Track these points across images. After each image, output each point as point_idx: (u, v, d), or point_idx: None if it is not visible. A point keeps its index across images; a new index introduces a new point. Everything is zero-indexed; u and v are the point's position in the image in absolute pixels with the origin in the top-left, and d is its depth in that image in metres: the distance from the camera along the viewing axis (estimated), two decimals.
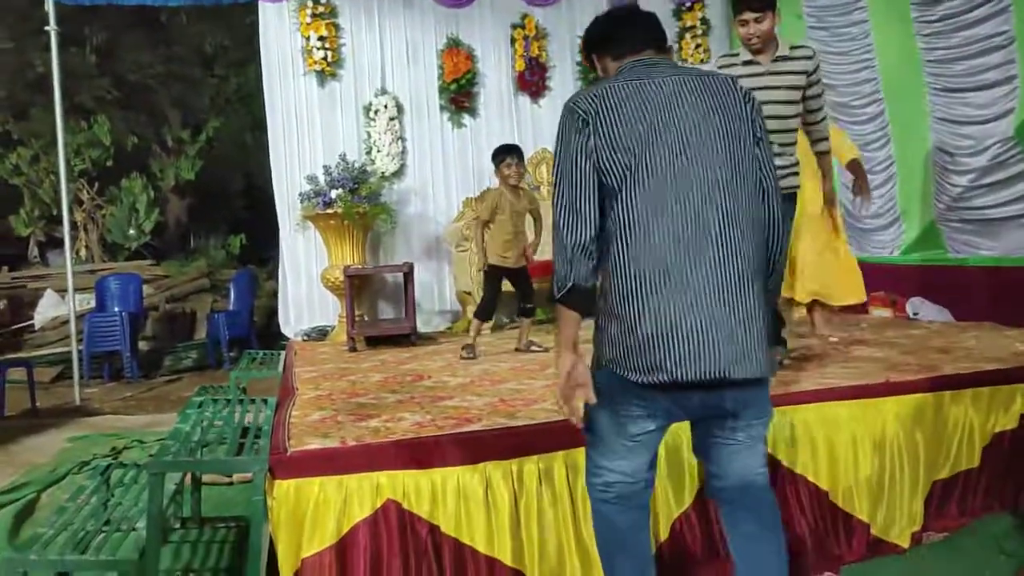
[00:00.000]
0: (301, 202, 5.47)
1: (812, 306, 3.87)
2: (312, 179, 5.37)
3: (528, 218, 4.33)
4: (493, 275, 4.22)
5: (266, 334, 7.26)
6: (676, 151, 1.60)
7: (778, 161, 2.77)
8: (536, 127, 6.27)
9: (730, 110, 1.66)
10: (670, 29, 6.56)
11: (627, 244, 1.60)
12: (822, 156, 3.22)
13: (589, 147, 1.63)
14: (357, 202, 5.22)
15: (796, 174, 2.99)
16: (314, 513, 2.16)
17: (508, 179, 4.15)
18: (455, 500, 2.24)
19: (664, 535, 2.39)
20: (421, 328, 5.34)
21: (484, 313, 4.28)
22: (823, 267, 3.73)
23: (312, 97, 5.79)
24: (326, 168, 5.36)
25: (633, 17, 1.83)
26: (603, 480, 1.75)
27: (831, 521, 2.55)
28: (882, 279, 5.20)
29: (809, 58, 2.93)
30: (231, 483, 3.33)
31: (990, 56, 4.26)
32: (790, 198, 2.91)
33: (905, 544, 2.58)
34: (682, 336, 1.55)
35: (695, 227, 1.57)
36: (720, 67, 3.03)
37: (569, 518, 2.30)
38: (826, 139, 3.15)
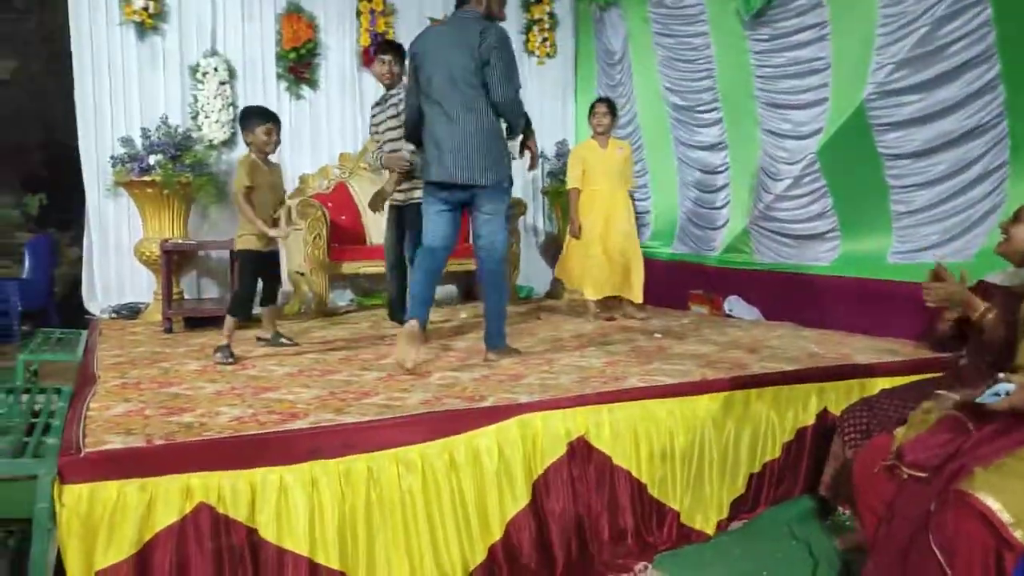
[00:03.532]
0: (113, 166, 4.95)
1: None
2: (127, 142, 4.88)
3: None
4: (251, 261, 3.59)
5: (69, 308, 6.53)
6: (439, 54, 3.32)
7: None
8: None
9: (468, 42, 3.25)
10: (518, 21, 6.60)
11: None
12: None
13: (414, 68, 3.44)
14: (179, 171, 4.81)
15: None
16: (111, 520, 1.95)
17: (265, 147, 3.57)
18: (276, 502, 2.11)
19: (498, 534, 2.39)
20: None
21: (244, 309, 3.55)
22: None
23: (129, 51, 5.24)
24: (144, 131, 4.89)
25: None
26: (426, 245, 3.44)
27: (647, 512, 2.68)
28: (702, 278, 5.58)
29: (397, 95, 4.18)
30: (15, 479, 2.95)
31: (808, 79, 4.63)
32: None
33: (711, 531, 2.77)
34: (435, 157, 3.35)
35: (443, 104, 3.31)
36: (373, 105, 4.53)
37: (399, 518, 2.24)
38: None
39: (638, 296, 4.84)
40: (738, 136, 5.28)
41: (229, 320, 3.49)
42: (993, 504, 1.70)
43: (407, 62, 3.68)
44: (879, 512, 1.98)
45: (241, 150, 5.55)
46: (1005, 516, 1.69)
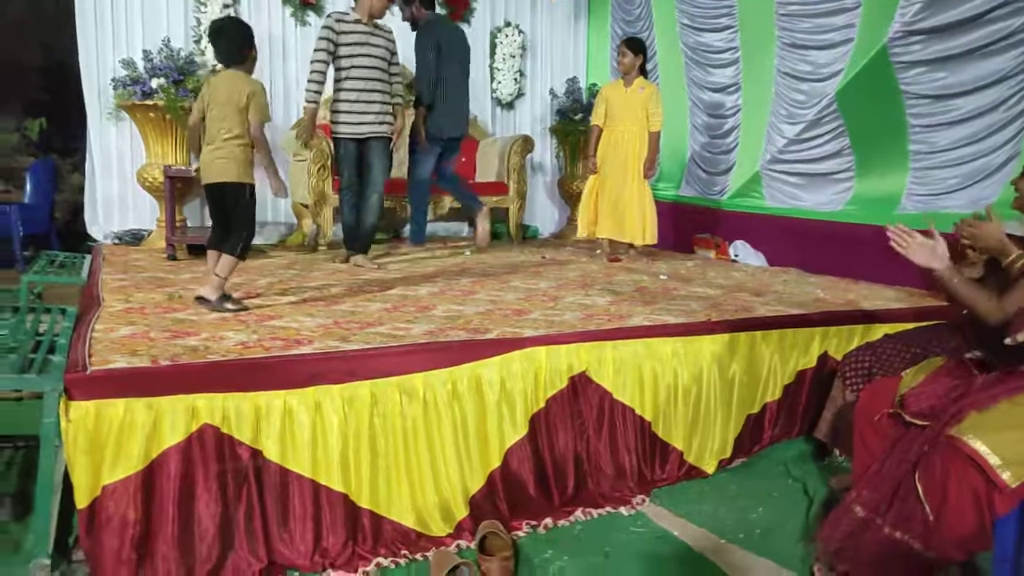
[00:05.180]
0: (115, 89, 4.86)
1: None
2: (129, 64, 4.77)
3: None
4: (254, 196, 3.10)
5: (70, 234, 6.51)
6: (455, 47, 4.58)
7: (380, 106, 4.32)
8: None
9: (464, 40, 4.73)
10: None
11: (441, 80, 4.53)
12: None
13: (433, 43, 4.48)
14: (182, 95, 4.72)
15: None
16: (117, 437, 1.96)
17: (252, 70, 3.14)
18: (280, 425, 2.13)
19: (497, 462, 2.42)
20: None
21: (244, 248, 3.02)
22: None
23: None
24: (146, 53, 4.78)
25: None
26: (425, 178, 4.68)
27: (650, 449, 2.71)
28: (709, 222, 5.53)
29: (390, 33, 4.32)
30: (20, 398, 2.99)
31: (836, 17, 4.47)
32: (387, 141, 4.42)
33: (711, 470, 2.80)
34: (452, 119, 4.66)
35: (457, 74, 4.61)
36: (335, 20, 4.16)
37: (400, 444, 2.27)
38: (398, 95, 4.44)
39: (649, 238, 4.86)
40: (753, 78, 5.16)
41: (233, 262, 2.97)
42: (980, 447, 1.72)
43: (430, 38, 4.47)
44: (877, 453, 1.99)
45: None
46: (993, 459, 1.70)
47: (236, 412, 2.09)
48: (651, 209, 4.88)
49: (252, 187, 3.06)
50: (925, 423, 1.88)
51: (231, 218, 3.05)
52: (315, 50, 4.11)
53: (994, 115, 3.88)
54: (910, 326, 3.00)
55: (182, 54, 4.87)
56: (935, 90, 4.04)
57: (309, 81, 4.13)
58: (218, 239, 3.08)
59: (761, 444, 2.96)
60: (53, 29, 8.48)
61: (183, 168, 4.77)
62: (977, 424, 1.78)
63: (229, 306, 2.95)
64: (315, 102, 4.14)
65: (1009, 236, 2.53)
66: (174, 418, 2.02)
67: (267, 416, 2.12)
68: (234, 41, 3.08)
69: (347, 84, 4.16)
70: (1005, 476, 1.70)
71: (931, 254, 2.01)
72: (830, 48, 4.53)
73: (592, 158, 4.93)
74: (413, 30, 4.61)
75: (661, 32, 5.91)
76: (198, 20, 5.24)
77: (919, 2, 3.87)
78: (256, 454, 2.11)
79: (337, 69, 4.15)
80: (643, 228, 4.84)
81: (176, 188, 4.67)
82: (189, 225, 5.16)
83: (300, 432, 2.14)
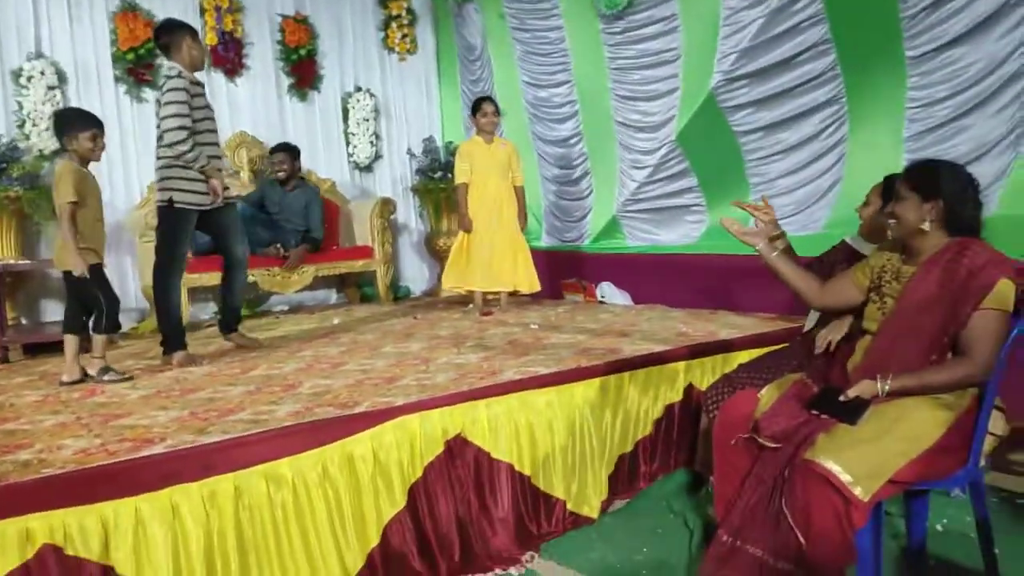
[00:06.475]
0: None
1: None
2: None
3: None
4: (100, 273, 3.28)
5: None
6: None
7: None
8: (233, 107, 5.80)
9: None
10: (375, 16, 6.53)
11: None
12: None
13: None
14: (7, 184, 4.38)
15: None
16: None
17: (90, 154, 3.19)
18: (133, 536, 1.95)
19: (375, 540, 2.32)
20: None
21: (118, 321, 3.34)
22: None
23: None
24: None
25: None
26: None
27: (532, 503, 2.69)
28: (575, 267, 5.69)
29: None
30: None
31: (659, 69, 4.81)
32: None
33: (595, 515, 2.81)
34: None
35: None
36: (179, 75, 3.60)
37: (271, 537, 2.13)
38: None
39: (534, 285, 4.97)
40: (594, 129, 5.43)
41: (102, 339, 3.24)
42: (832, 467, 1.82)
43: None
44: (738, 475, 2.07)
45: None
46: (845, 476, 1.81)
47: (79, 528, 1.90)
48: (529, 257, 5.00)
49: (94, 266, 3.20)
50: (778, 445, 1.98)
51: (84, 299, 3.23)
52: (174, 102, 3.51)
53: (815, 144, 4.25)
54: (764, 351, 3.18)
55: (3, 140, 4.53)
56: (761, 126, 4.39)
57: (183, 141, 3.51)
58: (67, 321, 3.29)
59: (640, 482, 3.01)
60: None
61: (12, 262, 4.41)
62: (827, 445, 1.88)
63: (108, 377, 3.14)
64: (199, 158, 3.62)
65: (854, 251, 2.76)
66: (4, 544, 1.81)
67: (116, 528, 1.94)
68: (55, 129, 3.19)
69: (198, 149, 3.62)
70: (857, 491, 1.80)
71: (753, 236, 2.38)
72: (658, 98, 4.85)
73: (466, 215, 4.93)
74: None
75: (503, 90, 6.11)
76: (19, 104, 4.90)
77: (733, 52, 4.22)
78: (108, 571, 1.92)
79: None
80: (526, 275, 4.95)
81: (6, 283, 4.28)
82: (23, 322, 4.74)
83: (156, 540, 1.97)
